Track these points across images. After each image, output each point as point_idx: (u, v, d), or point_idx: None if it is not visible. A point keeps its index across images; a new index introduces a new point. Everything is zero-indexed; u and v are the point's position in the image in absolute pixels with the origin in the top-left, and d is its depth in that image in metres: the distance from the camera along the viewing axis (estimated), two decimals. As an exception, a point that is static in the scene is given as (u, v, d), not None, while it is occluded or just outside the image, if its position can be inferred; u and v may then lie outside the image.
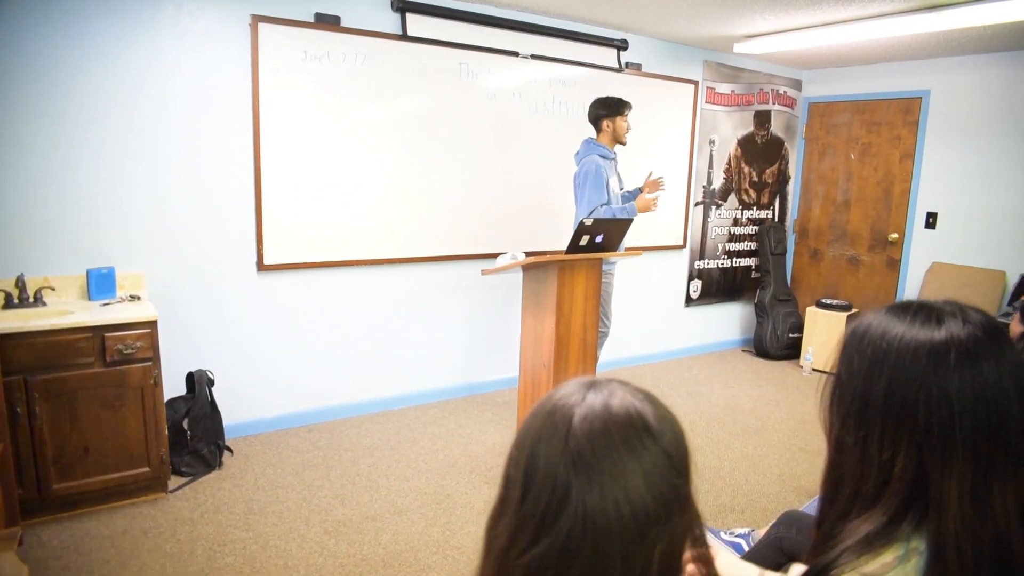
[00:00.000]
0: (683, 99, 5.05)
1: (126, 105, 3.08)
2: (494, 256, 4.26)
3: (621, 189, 3.82)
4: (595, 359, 3.36)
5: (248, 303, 3.52)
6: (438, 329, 4.22)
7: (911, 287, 5.21)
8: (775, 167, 5.79)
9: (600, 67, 4.52)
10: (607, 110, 3.73)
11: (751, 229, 5.75)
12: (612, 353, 4.88)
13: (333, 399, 3.88)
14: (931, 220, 5.06)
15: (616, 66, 4.60)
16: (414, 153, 3.89)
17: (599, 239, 3.22)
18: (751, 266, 5.83)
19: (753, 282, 5.86)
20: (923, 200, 5.11)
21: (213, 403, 3.30)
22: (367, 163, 3.73)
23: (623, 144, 3.80)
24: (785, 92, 5.69)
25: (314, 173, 3.58)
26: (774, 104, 5.63)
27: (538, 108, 4.33)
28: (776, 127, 5.70)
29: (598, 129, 3.78)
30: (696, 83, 5.10)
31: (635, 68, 4.72)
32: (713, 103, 5.24)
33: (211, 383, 3.31)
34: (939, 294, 5.30)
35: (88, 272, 3.04)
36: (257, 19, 3.30)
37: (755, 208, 5.73)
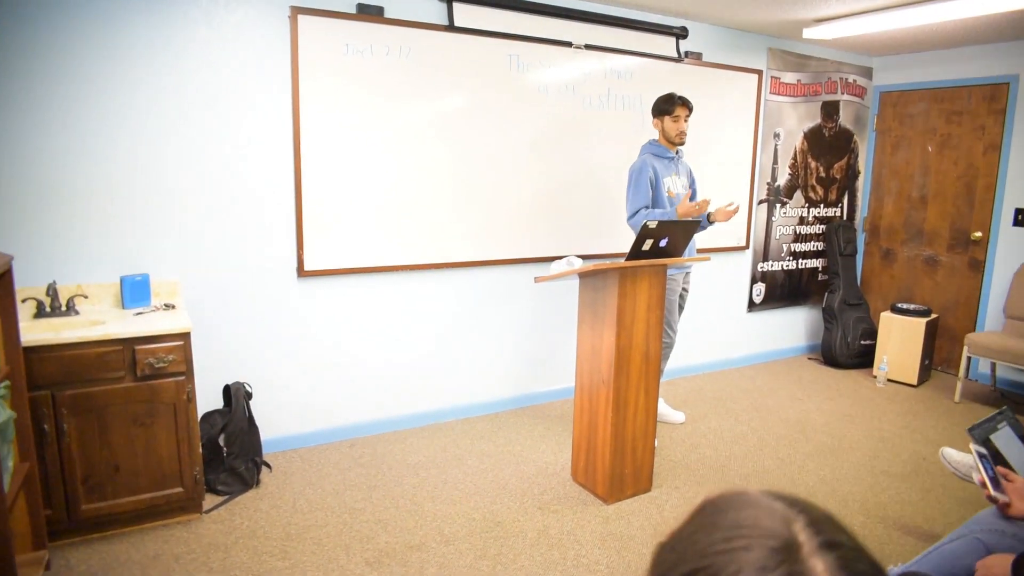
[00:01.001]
0: (746, 90, 4.71)
1: (159, 103, 2.92)
2: (548, 261, 4.03)
3: (688, 191, 3.56)
4: (658, 375, 3.07)
5: (288, 311, 3.34)
6: (488, 338, 3.98)
7: (998, 290, 4.76)
8: (844, 161, 5.39)
9: (658, 56, 4.22)
10: (655, 109, 3.56)
11: (818, 228, 5.36)
12: (670, 361, 4.58)
13: (376, 412, 3.68)
14: (1020, 217, 4.62)
15: (675, 55, 4.29)
16: (461, 151, 3.67)
17: (663, 243, 2.94)
18: (818, 268, 5.45)
19: (820, 285, 5.48)
20: (1011, 195, 4.66)
21: (251, 417, 3.13)
22: (410, 162, 3.52)
23: (677, 143, 3.55)
24: (854, 81, 5.29)
25: (356, 173, 3.38)
26: (843, 94, 5.24)
27: (592, 102, 4.05)
28: (845, 119, 5.30)
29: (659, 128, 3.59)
30: (760, 72, 4.75)
31: (695, 57, 4.40)
32: (778, 94, 4.88)
33: (249, 396, 3.14)
34: (1031, 299, 4.87)
35: (122, 279, 2.90)
36: (297, 11, 3.11)
37: (822, 206, 5.35)
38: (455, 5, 3.50)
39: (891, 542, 2.78)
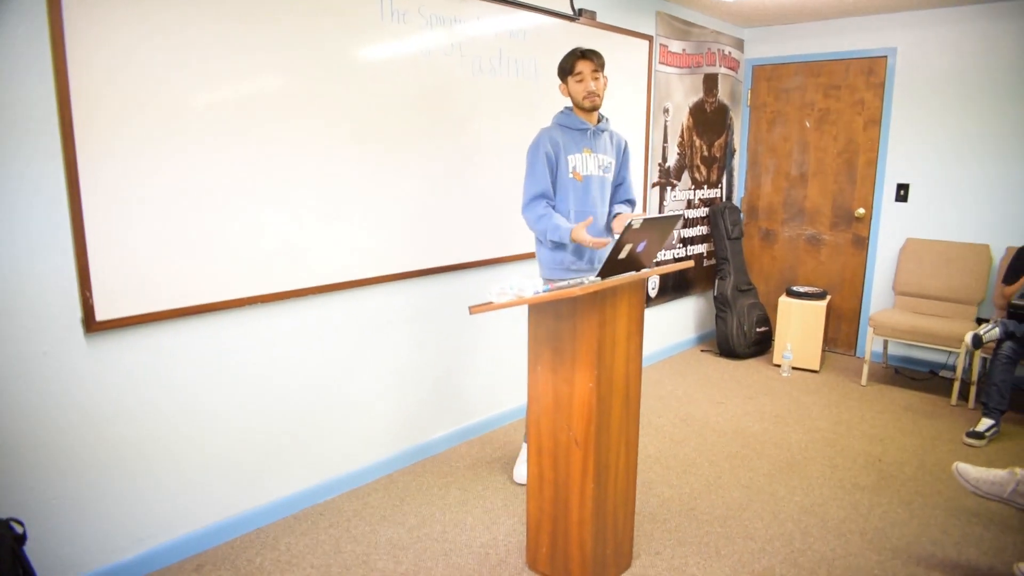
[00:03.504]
0: (638, 58, 4.13)
1: None
2: (436, 272, 3.14)
3: (606, 171, 2.84)
4: (638, 418, 2.35)
5: (74, 391, 2.10)
6: (365, 381, 2.99)
7: (883, 266, 4.72)
8: (722, 139, 5.07)
9: (551, 12, 3.46)
10: (559, 71, 2.79)
11: (703, 211, 5.00)
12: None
13: (229, 509, 2.55)
14: (902, 192, 4.58)
15: (570, 12, 3.56)
16: (310, 134, 2.62)
17: (641, 247, 2.20)
18: (703, 253, 5.10)
19: (706, 271, 5.14)
20: (892, 171, 4.60)
21: (25, 570, 1.89)
22: (253, 153, 2.42)
23: (587, 108, 2.74)
24: (729, 53, 4.97)
25: (175, 174, 2.21)
26: (720, 67, 4.89)
27: (483, 65, 3.19)
28: (723, 93, 4.97)
29: None
30: (651, 39, 4.20)
31: (589, 16, 3.71)
32: (666, 64, 4.38)
33: (21, 539, 1.89)
34: (919, 272, 4.90)
35: None
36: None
37: (706, 187, 4.99)
38: (306, -80, 2.44)
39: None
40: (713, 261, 5.14)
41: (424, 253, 3.07)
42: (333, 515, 2.74)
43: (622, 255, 2.15)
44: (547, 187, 2.72)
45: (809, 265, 5.07)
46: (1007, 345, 3.57)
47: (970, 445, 3.46)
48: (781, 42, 4.96)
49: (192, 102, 2.22)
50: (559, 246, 2.77)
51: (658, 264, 2.86)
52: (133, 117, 2.09)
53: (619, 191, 2.96)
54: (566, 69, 2.73)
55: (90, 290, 2.06)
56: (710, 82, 4.80)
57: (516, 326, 3.61)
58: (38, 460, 2.04)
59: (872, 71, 4.58)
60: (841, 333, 4.95)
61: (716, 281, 5.01)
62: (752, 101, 5.18)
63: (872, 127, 4.62)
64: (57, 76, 1.93)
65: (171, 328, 2.29)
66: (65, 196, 2.00)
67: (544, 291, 2.07)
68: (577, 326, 2.09)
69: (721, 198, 5.17)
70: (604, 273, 2.11)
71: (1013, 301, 3.64)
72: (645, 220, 2.10)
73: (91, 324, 2.08)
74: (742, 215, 5.35)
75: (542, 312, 2.18)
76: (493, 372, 3.56)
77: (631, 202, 2.97)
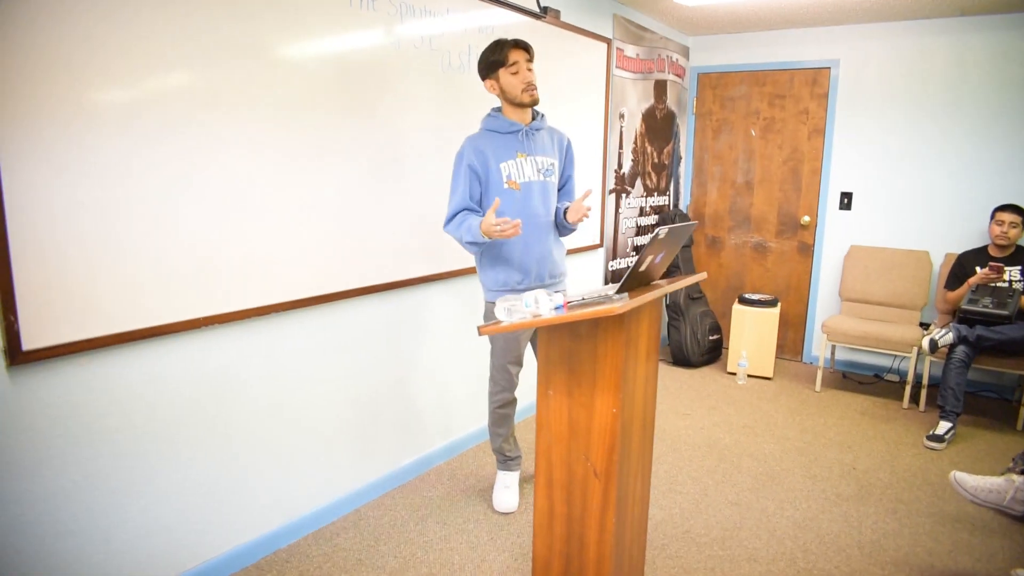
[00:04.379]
0: (596, 61, 4.00)
1: None
2: (391, 287, 2.89)
3: (547, 174, 2.56)
4: (651, 448, 2.17)
5: (-10, 434, 1.69)
6: (320, 410, 2.67)
7: (828, 273, 4.81)
8: (670, 146, 5.04)
9: (518, 8, 3.27)
10: (483, 67, 2.48)
11: (653, 219, 4.94)
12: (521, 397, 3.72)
13: (176, 565, 2.17)
14: (846, 201, 4.69)
15: (536, 10, 3.38)
16: (262, 131, 2.30)
17: (659, 259, 2.04)
18: (656, 263, 5.03)
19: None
20: (836, 179, 4.71)
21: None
22: (172, 153, 2.07)
23: (526, 104, 2.44)
24: (676, 60, 4.95)
25: (93, 175, 1.85)
26: (669, 73, 4.86)
27: (451, 63, 2.95)
28: (671, 100, 4.94)
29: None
30: (609, 42, 4.08)
31: (554, 15, 3.54)
32: (622, 68, 4.28)
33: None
34: (863, 279, 5.02)
35: None
36: None
37: (656, 194, 4.94)
38: None
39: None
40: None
41: (380, 268, 2.78)
42: (301, 562, 2.40)
43: (643, 268, 1.98)
44: (468, 203, 2.45)
45: (756, 272, 5.11)
46: (960, 349, 3.67)
47: (931, 448, 3.53)
48: (726, 50, 4.99)
49: (114, 96, 1.86)
50: (498, 263, 2.54)
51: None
52: (52, 112, 1.72)
53: (563, 194, 2.71)
54: (497, 61, 2.40)
55: (15, 313, 1.67)
56: (660, 88, 4.76)
57: (470, 342, 3.37)
58: (-57, 531, 1.62)
59: (816, 81, 4.67)
60: (788, 339, 5.01)
61: (668, 289, 4.95)
62: (698, 109, 5.19)
63: (816, 136, 4.72)
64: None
65: (111, 357, 1.91)
66: (-20, 199, 1.60)
67: (559, 309, 1.86)
68: (599, 346, 1.88)
69: (669, 205, 5.14)
70: (626, 287, 1.93)
71: (963, 306, 3.76)
72: (670, 229, 1.93)
73: (16, 355, 1.68)
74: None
75: (555, 330, 1.96)
76: (456, 393, 3.31)
77: None
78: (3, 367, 1.67)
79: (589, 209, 2.53)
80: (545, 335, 1.98)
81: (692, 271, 5.01)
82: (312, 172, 2.39)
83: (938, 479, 3.18)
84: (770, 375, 4.60)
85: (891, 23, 4.37)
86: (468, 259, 3.12)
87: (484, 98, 2.63)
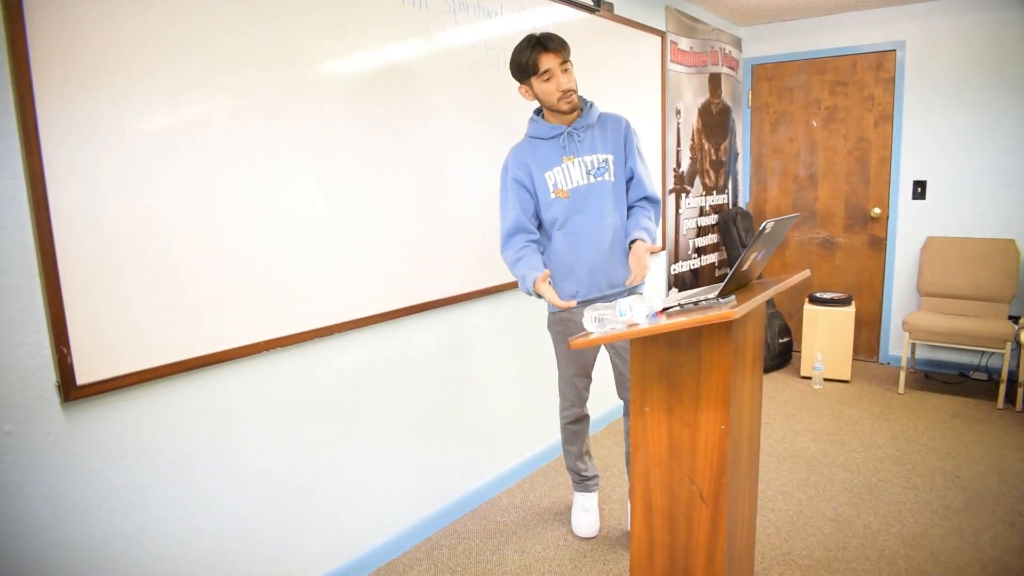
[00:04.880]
0: (651, 55, 3.83)
1: None
2: (441, 303, 2.75)
3: (601, 172, 2.29)
4: (758, 467, 1.99)
5: (49, 478, 1.59)
6: (383, 434, 2.54)
7: (904, 267, 4.54)
8: (727, 142, 4.83)
9: (574, 3, 3.12)
10: (516, 71, 2.25)
11: (713, 218, 4.73)
12: (594, 408, 3.55)
13: (253, 605, 2.05)
14: (919, 190, 4.41)
15: (590, 3, 3.23)
16: (311, 140, 2.19)
17: (760, 256, 1.86)
18: (714, 263, 4.83)
19: (718, 282, 4.86)
20: (908, 168, 4.44)
21: None
22: (228, 170, 1.97)
23: (564, 111, 2.23)
24: (729, 52, 4.74)
25: (142, 194, 1.75)
26: (723, 66, 4.66)
27: (501, 62, 2.81)
28: (725, 94, 4.74)
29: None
30: (663, 34, 3.91)
31: (607, 9, 3.39)
32: (676, 62, 4.10)
33: None
34: (944, 271, 4.71)
35: None
36: None
37: (715, 192, 4.73)
38: None
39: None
40: (726, 271, 4.87)
41: (433, 283, 2.64)
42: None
43: (746, 266, 1.80)
44: (521, 220, 2.27)
45: (824, 270, 4.85)
46: (1065, 343, 3.39)
47: (1040, 452, 3.25)
48: (780, 39, 4.77)
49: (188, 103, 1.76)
50: (556, 276, 2.33)
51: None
52: (97, 129, 1.62)
53: (631, 189, 2.38)
54: (527, 68, 2.18)
55: (67, 345, 1.57)
56: (715, 82, 4.56)
57: (532, 354, 3.22)
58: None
59: (881, 66, 4.42)
60: (862, 339, 4.74)
61: (730, 291, 4.73)
62: (753, 102, 4.97)
63: (884, 123, 4.46)
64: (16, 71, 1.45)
65: (167, 387, 1.80)
66: (29, 219, 1.50)
67: (654, 318, 1.70)
68: (703, 356, 1.71)
69: (728, 204, 4.92)
70: (729, 290, 1.75)
71: (1064, 296, 3.47)
72: (776, 222, 1.75)
73: (70, 390, 1.58)
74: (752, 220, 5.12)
75: (650, 341, 1.79)
76: (521, 409, 3.15)
77: (650, 200, 2.39)
78: (57, 404, 1.57)
79: (647, 269, 2.23)
80: (639, 347, 1.81)
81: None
82: (361, 188, 2.28)
83: (1055, 487, 2.90)
84: (847, 378, 4.34)
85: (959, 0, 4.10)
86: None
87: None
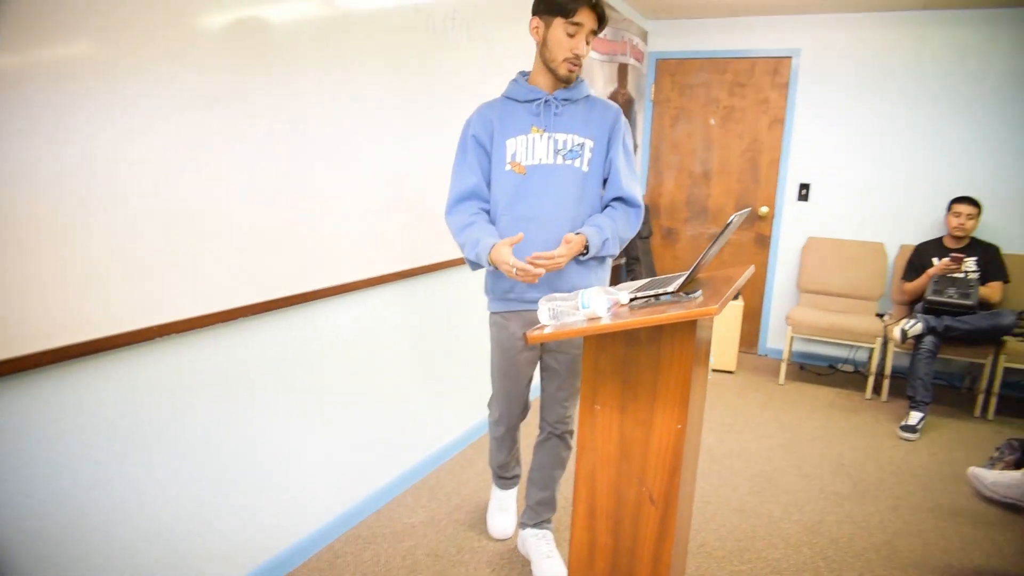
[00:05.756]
0: (568, 39, 3.73)
1: None
2: (360, 284, 2.54)
3: (571, 156, 1.96)
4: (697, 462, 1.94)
5: None
6: (291, 431, 2.29)
7: (785, 264, 4.80)
8: (628, 134, 4.85)
9: (501, -27, 2.95)
10: (545, 7, 1.90)
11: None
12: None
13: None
14: (804, 192, 4.68)
15: (517, -24, 3.07)
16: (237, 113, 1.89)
17: (715, 249, 1.79)
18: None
19: (613, 272, 4.90)
20: (794, 170, 4.69)
21: None
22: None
23: (560, 75, 1.94)
24: (636, 44, 4.77)
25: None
26: (630, 57, 4.67)
27: (436, 26, 2.59)
28: (631, 85, 4.76)
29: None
30: (581, 18, 3.82)
31: (532, -16, 3.23)
32: (593, 48, 4.03)
33: None
34: (821, 270, 5.04)
35: None
36: None
37: (615, 183, 4.73)
38: None
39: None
40: (622, 261, 4.92)
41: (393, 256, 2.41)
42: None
43: (707, 259, 1.73)
44: (479, 186, 1.99)
45: (713, 264, 5.01)
46: (928, 339, 3.70)
47: (906, 439, 3.53)
48: (685, 36, 4.86)
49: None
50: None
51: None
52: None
53: (607, 186, 2.04)
54: (563, 6, 1.85)
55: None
56: (623, 73, 4.56)
57: (452, 342, 3.05)
58: None
59: (777, 71, 4.62)
60: (744, 332, 4.97)
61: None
62: (655, 95, 5.04)
63: (776, 126, 4.68)
64: None
65: (55, 378, 1.46)
66: None
67: (610, 308, 1.59)
68: (663, 353, 1.62)
69: (626, 195, 4.96)
70: (689, 281, 1.68)
71: (929, 297, 3.79)
72: (737, 216, 1.69)
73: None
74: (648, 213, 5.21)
75: (606, 336, 1.68)
76: (430, 398, 2.97)
77: (626, 201, 2.04)
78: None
79: (550, 260, 1.84)
80: (594, 341, 1.70)
81: (651, 264, 4.88)
82: (286, 176, 1.99)
83: (923, 471, 3.16)
84: (733, 369, 4.53)
85: (853, 14, 4.36)
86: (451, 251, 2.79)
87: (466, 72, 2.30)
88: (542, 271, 1.84)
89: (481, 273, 2.13)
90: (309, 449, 2.29)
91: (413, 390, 2.82)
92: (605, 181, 2.04)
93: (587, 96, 2.03)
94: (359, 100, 2.24)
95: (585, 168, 1.98)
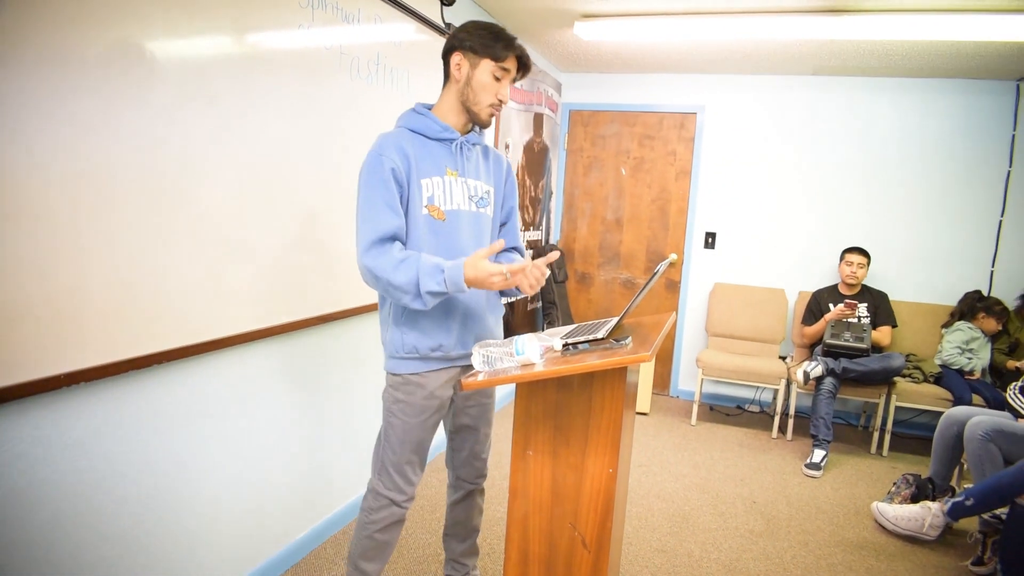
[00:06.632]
0: (488, 87, 3.80)
1: None
2: (294, 327, 2.45)
3: (481, 204, 1.90)
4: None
5: None
6: (201, 483, 2.13)
7: (694, 310, 4.99)
8: (543, 181, 4.98)
9: (424, 20, 2.98)
10: (474, 42, 1.76)
11: (530, 253, 4.82)
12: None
13: None
14: (710, 240, 4.92)
15: (441, 25, 3.12)
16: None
17: (641, 296, 1.83)
18: (526, 297, 4.90)
19: (529, 316, 4.94)
20: (701, 220, 4.93)
21: None
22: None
23: (481, 120, 1.83)
24: (551, 95, 4.93)
25: None
26: (546, 107, 4.82)
27: (361, 71, 2.58)
28: (546, 134, 4.89)
29: (446, 77, 1.85)
30: (500, 68, 3.91)
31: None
32: (512, 98, 4.13)
33: None
34: (728, 314, 5.27)
35: None
36: None
37: (532, 228, 4.82)
38: None
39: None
40: (537, 304, 4.97)
41: (288, 304, 2.31)
42: None
43: (634, 306, 1.77)
44: (399, 226, 1.72)
45: (623, 308, 5.16)
46: (828, 380, 3.93)
47: (811, 476, 3.69)
48: (597, 89, 5.07)
49: None
50: (408, 320, 1.81)
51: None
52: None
53: (504, 234, 2.02)
54: (494, 51, 1.74)
55: None
56: (538, 122, 4.69)
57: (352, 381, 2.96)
58: None
59: (683, 125, 4.89)
60: (656, 374, 5.11)
61: (544, 327, 4.84)
62: (569, 144, 5.20)
63: (683, 178, 4.92)
64: None
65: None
66: None
67: (543, 355, 1.59)
68: (594, 398, 1.63)
69: (542, 240, 5.06)
70: (618, 327, 1.71)
71: (827, 341, 4.04)
72: (663, 265, 1.74)
73: None
74: (563, 258, 5.31)
75: (537, 382, 1.68)
76: (349, 441, 2.86)
77: (520, 252, 2.06)
78: None
79: (544, 275, 1.78)
80: (526, 387, 1.69)
81: (567, 308, 4.95)
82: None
83: (829, 506, 3.31)
84: (647, 411, 4.63)
85: (752, 76, 4.70)
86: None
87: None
88: (547, 271, 1.78)
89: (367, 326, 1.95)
90: (239, 492, 2.12)
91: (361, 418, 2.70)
92: (502, 227, 2.03)
93: (484, 144, 1.97)
94: (270, 140, 2.18)
95: (491, 215, 1.95)
